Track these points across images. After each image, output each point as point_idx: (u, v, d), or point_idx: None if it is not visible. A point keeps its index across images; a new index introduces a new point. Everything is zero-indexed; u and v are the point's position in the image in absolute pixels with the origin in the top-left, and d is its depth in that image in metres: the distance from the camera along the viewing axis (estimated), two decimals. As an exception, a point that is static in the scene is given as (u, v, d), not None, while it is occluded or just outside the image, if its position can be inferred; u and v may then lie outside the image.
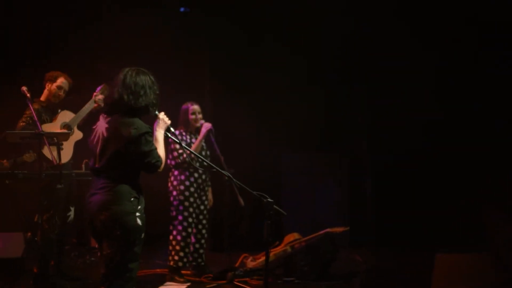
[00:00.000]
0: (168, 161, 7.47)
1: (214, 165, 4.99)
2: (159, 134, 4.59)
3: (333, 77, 9.78)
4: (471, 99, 9.13)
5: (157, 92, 4.57)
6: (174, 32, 9.81)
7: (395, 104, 9.50)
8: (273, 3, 9.66)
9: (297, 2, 9.58)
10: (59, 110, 7.13)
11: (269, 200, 4.60)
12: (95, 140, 4.54)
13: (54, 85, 7.09)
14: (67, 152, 6.95)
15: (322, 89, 9.81)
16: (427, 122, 9.32)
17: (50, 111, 7.07)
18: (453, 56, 9.26)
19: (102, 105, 6.83)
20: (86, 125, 7.04)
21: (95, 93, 7.11)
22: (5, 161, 7.12)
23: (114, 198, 4.37)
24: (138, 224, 4.37)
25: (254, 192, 4.65)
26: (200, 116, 7.49)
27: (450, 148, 9.12)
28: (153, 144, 4.43)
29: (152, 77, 4.57)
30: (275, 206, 4.61)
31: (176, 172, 7.46)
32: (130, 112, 4.46)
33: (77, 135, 7.12)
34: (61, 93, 7.14)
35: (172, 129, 4.71)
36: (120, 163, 4.41)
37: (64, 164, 6.68)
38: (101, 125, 4.54)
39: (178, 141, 4.73)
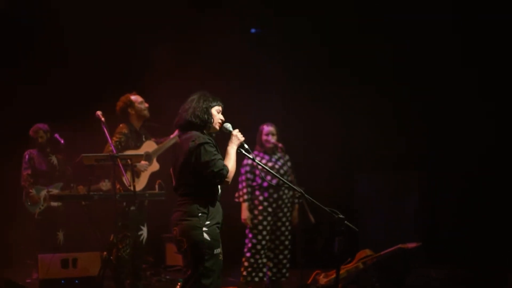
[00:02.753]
0: None
1: (287, 182, 5.06)
2: (231, 149, 4.71)
3: (404, 92, 9.65)
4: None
5: (210, 108, 4.74)
6: (246, 53, 9.95)
7: (473, 118, 9.31)
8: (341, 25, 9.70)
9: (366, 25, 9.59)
10: (144, 139, 7.31)
11: (341, 216, 4.62)
12: (172, 163, 4.79)
13: (137, 105, 7.23)
14: (142, 181, 7.14)
15: (392, 106, 9.73)
16: (507, 137, 9.09)
17: (136, 137, 7.23)
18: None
19: None
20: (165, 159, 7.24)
21: None
22: (80, 187, 7.37)
23: (183, 214, 4.56)
24: (205, 239, 4.50)
25: (326, 208, 4.67)
26: (273, 137, 7.62)
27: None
28: (214, 154, 4.56)
29: (207, 96, 4.77)
30: (346, 222, 4.63)
31: (248, 193, 7.61)
32: (184, 128, 4.73)
33: (155, 166, 7.30)
34: (146, 104, 7.27)
35: (246, 145, 4.80)
36: (187, 178, 4.62)
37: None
38: (176, 149, 4.82)
39: (251, 157, 4.81)
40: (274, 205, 7.53)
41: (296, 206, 7.74)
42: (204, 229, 4.50)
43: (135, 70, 9.43)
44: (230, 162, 4.63)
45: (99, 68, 9.37)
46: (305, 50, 9.97)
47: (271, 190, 7.54)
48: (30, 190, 8.17)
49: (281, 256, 7.67)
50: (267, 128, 7.66)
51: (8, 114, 8.93)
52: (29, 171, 8.25)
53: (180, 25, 9.59)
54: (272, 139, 7.61)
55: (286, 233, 7.69)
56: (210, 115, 4.72)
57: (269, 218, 7.55)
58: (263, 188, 7.52)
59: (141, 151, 7.15)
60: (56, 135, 8.27)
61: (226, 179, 4.56)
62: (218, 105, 4.79)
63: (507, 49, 9.00)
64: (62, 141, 8.25)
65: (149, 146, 7.27)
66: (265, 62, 10.17)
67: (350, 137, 10.02)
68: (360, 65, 9.58)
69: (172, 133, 7.26)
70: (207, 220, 4.53)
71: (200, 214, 4.53)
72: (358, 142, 9.98)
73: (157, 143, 7.35)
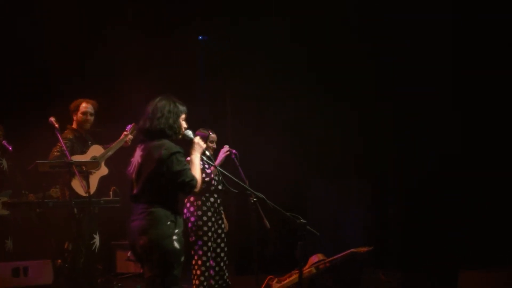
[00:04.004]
0: None
1: (248, 188, 5.10)
2: (195, 157, 4.71)
3: (361, 100, 9.74)
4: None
5: (180, 116, 4.71)
6: (194, 61, 9.97)
7: (418, 127, 9.44)
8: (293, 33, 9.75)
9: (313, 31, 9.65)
10: (90, 143, 7.24)
11: (303, 221, 4.69)
12: (132, 169, 4.69)
13: (79, 114, 7.24)
14: (92, 186, 7.02)
15: (344, 115, 9.82)
16: (451, 145, 9.22)
17: (81, 142, 7.17)
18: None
19: (129, 144, 7.08)
20: (112, 162, 7.18)
21: (125, 132, 7.24)
22: (31, 195, 7.24)
23: (151, 223, 4.48)
24: (175, 247, 4.46)
25: (288, 214, 4.73)
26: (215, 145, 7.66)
27: (474, 172, 9.00)
28: (185, 164, 4.55)
29: (176, 103, 4.72)
30: (308, 227, 4.69)
31: (192, 198, 7.53)
32: (154, 135, 4.62)
33: (103, 170, 7.25)
34: (88, 117, 7.27)
35: (207, 153, 4.82)
36: (155, 186, 4.54)
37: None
38: (137, 154, 4.70)
39: (213, 164, 4.84)
40: (217, 210, 7.54)
41: (224, 213, 7.73)
42: (174, 237, 4.47)
43: (87, 75, 9.41)
44: (197, 171, 4.62)
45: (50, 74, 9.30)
46: (257, 54, 9.96)
47: (215, 195, 7.52)
48: None
49: (222, 264, 7.60)
50: (212, 135, 7.63)
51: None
52: None
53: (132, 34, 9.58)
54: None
55: (225, 239, 7.69)
56: (180, 125, 4.71)
57: (215, 225, 7.55)
58: (210, 192, 7.49)
59: (88, 156, 7.10)
60: (4, 142, 8.02)
61: (195, 189, 4.58)
62: (184, 112, 4.77)
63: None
64: (10, 148, 7.99)
65: (95, 150, 7.22)
66: (215, 68, 10.20)
67: (302, 144, 10.05)
68: (314, 71, 9.69)
69: (118, 137, 7.24)
70: (175, 228, 4.50)
71: (169, 222, 4.48)
72: (310, 149, 10.02)
73: (104, 147, 7.31)
